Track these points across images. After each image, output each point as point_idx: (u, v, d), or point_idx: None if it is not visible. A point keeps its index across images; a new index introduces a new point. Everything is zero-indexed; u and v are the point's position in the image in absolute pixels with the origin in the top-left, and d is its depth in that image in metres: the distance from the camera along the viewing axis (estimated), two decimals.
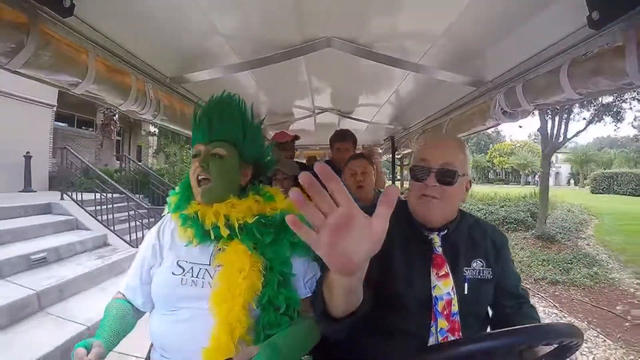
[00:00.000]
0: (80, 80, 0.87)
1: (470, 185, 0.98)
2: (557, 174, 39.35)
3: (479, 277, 0.92)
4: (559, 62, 0.92)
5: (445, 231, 0.95)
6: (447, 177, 0.89)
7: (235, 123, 0.99)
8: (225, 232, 0.90)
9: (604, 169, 22.12)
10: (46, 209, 4.98)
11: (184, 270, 0.92)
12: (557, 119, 9.79)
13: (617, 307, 5.35)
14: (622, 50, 0.71)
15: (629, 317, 4.94)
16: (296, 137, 2.48)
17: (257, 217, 0.93)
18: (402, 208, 0.99)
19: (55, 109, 8.24)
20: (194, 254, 0.94)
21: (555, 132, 9.88)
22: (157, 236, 1.00)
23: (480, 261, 0.94)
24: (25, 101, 7.30)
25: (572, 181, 35.83)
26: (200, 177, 0.94)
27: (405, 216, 0.98)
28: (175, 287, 0.89)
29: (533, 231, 9.12)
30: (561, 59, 0.93)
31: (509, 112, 1.20)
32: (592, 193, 18.38)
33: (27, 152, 6.81)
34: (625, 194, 16.56)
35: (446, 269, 0.90)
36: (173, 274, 0.91)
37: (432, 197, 0.90)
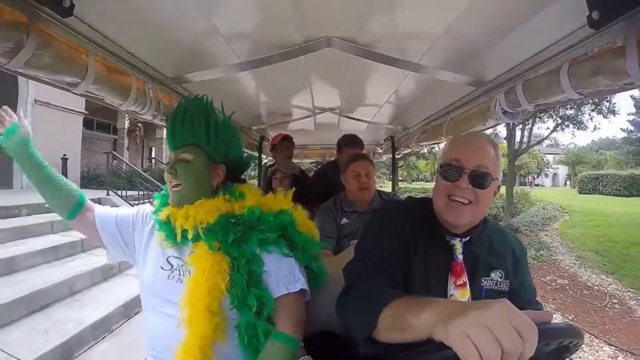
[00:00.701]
0: (80, 81, 0.87)
1: (499, 190, 0.92)
2: (555, 175, 39.58)
3: (496, 288, 0.88)
4: (559, 61, 0.92)
5: (468, 238, 0.90)
6: (480, 179, 0.83)
7: (198, 125, 0.98)
8: (190, 234, 0.91)
9: (591, 171, 23.31)
10: (98, 202, 6.12)
11: (172, 267, 0.95)
12: (519, 128, 11.15)
13: (547, 277, 6.30)
14: (623, 50, 0.71)
15: (553, 284, 6.02)
16: (285, 137, 2.52)
17: (221, 216, 0.93)
18: (428, 209, 0.93)
19: (84, 116, 9.17)
20: (180, 251, 0.96)
21: (519, 140, 11.30)
22: (137, 218, 1.05)
23: (500, 272, 0.89)
24: (61, 109, 8.19)
25: (568, 182, 36.21)
26: (172, 183, 0.97)
27: (429, 217, 0.92)
28: (162, 281, 0.93)
29: (500, 223, 9.85)
30: (561, 58, 0.92)
31: (509, 112, 1.20)
32: (580, 193, 19.39)
33: (64, 155, 7.69)
34: (609, 194, 17.47)
35: (464, 278, 0.86)
36: (162, 268, 0.94)
37: (464, 202, 0.84)
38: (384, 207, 1.04)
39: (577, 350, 0.62)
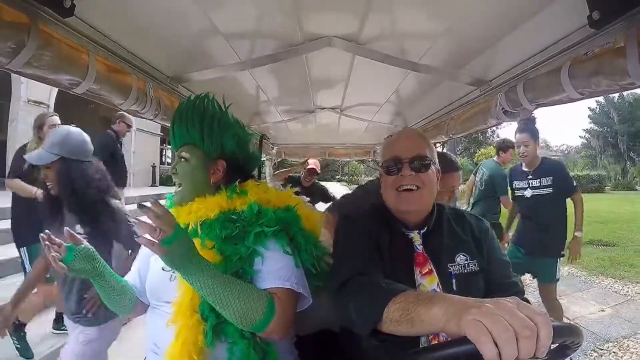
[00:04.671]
0: (81, 80, 0.87)
1: (440, 174, 1.00)
2: None
3: (466, 271, 0.92)
4: (559, 61, 0.92)
5: (425, 229, 0.96)
6: (421, 164, 0.92)
7: (192, 124, 0.99)
8: (190, 227, 0.92)
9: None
10: None
11: None
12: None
13: None
14: (623, 50, 0.70)
15: None
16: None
17: (222, 213, 0.92)
18: (381, 211, 1.00)
19: (160, 136, 14.16)
20: None
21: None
22: None
23: (464, 255, 0.93)
24: (149, 133, 12.77)
25: None
26: (176, 183, 1.01)
27: (385, 218, 0.98)
28: (164, 282, 0.92)
29: None
30: (562, 58, 0.92)
31: (510, 111, 1.20)
32: None
33: (153, 164, 12.95)
34: None
35: (429, 266, 0.90)
36: (163, 269, 0.93)
37: (412, 188, 0.92)
38: (349, 213, 1.06)
39: (577, 349, 0.62)
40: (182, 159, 0.99)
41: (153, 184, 12.79)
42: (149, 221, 0.72)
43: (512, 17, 0.88)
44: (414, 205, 0.93)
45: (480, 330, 0.45)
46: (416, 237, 0.94)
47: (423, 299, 0.62)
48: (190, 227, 0.91)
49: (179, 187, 0.99)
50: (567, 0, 0.75)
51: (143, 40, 1.05)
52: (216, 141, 1.01)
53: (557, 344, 0.61)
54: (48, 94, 7.85)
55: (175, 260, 0.75)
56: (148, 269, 1.01)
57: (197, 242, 0.88)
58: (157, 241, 0.71)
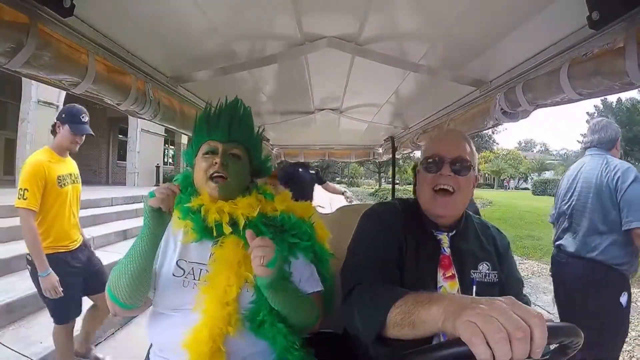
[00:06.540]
0: (80, 80, 0.87)
1: (477, 181, 0.99)
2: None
3: (486, 280, 0.92)
4: (559, 62, 0.92)
5: (454, 232, 0.95)
6: (461, 167, 0.91)
7: (250, 129, 1.08)
8: (227, 229, 0.90)
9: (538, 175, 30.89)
10: None
11: (184, 271, 0.90)
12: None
13: None
14: (622, 50, 0.70)
15: None
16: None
17: (259, 214, 0.95)
18: (414, 208, 1.00)
19: (164, 138, 14.43)
20: (194, 253, 0.92)
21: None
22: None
23: (487, 264, 0.93)
24: (153, 133, 12.76)
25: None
26: (215, 175, 0.94)
27: (417, 216, 0.98)
28: (177, 289, 0.88)
29: None
30: (561, 59, 0.92)
31: (509, 112, 1.20)
32: (533, 194, 23.91)
33: (157, 164, 13.09)
34: (553, 195, 23.46)
35: (453, 270, 0.90)
36: (174, 275, 0.90)
37: (448, 189, 0.91)
38: (375, 208, 1.06)
39: (577, 349, 0.62)
40: (235, 155, 1.00)
41: (157, 184, 12.70)
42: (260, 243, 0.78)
43: (512, 17, 0.88)
44: (448, 210, 0.93)
45: (473, 331, 0.45)
46: (445, 238, 0.94)
47: (422, 300, 0.62)
48: (226, 229, 0.91)
49: (223, 180, 0.94)
50: (566, 0, 0.75)
51: (142, 40, 1.05)
52: (259, 153, 1.11)
53: (556, 344, 0.61)
54: (57, 95, 8.02)
55: (274, 280, 0.79)
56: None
57: (234, 239, 0.91)
58: (264, 263, 0.76)
